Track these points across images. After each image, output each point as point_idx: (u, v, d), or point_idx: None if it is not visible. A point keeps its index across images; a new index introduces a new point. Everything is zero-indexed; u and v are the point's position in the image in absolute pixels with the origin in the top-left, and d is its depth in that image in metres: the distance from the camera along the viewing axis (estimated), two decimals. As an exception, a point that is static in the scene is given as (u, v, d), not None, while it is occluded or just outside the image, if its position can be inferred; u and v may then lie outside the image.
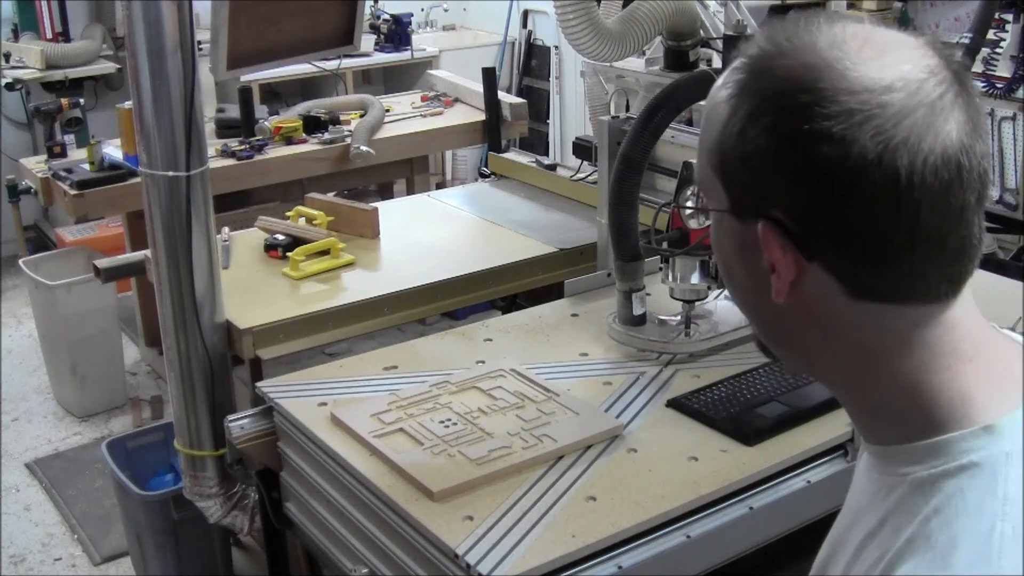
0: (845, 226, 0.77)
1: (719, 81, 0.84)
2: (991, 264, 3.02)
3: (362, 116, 4.16)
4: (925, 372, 0.82)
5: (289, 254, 2.87)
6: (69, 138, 4.59)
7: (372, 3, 5.96)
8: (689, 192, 1.99)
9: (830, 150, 0.75)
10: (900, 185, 0.74)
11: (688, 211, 1.90)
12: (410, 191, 4.45)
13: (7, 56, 5.24)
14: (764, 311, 0.86)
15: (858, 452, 0.89)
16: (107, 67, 5.39)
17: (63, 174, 3.68)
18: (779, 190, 0.78)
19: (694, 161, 2.29)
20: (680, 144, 2.70)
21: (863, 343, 0.82)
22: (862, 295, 0.80)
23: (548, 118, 6.32)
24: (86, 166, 3.69)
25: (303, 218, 3.14)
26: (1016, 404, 0.80)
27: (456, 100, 4.54)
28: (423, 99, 4.57)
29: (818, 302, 0.82)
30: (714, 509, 1.77)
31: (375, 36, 5.83)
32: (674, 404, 2.03)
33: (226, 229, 3.09)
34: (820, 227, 0.78)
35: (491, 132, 4.13)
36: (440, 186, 5.13)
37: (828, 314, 0.82)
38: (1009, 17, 4.14)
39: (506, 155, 3.77)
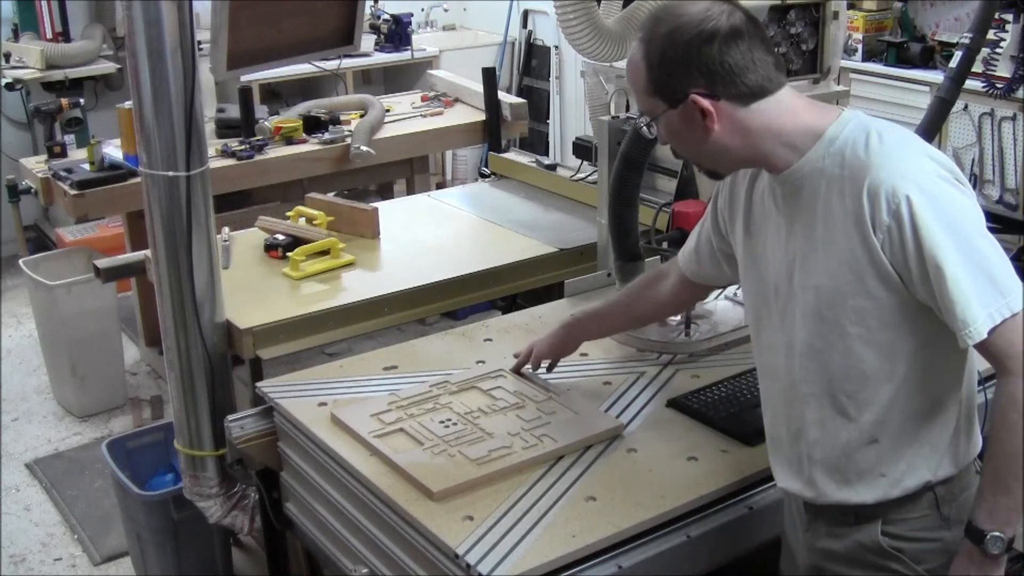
0: (723, 75, 1.48)
1: (631, 51, 1.56)
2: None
3: (362, 116, 4.16)
4: (796, 117, 1.53)
5: (289, 254, 2.87)
6: (69, 138, 4.58)
7: (372, 3, 5.95)
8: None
9: (702, 45, 1.48)
10: (737, 45, 1.48)
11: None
12: (410, 191, 4.45)
13: (7, 56, 5.23)
14: (708, 147, 1.54)
15: None
16: (107, 67, 5.38)
17: (63, 174, 3.68)
18: (690, 75, 1.49)
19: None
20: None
21: (762, 125, 1.52)
22: (747, 100, 1.50)
23: (548, 118, 6.32)
24: (86, 166, 3.69)
25: (303, 218, 3.14)
26: (839, 113, 1.54)
27: (456, 100, 4.53)
28: (423, 99, 4.57)
29: (732, 119, 1.51)
30: (714, 509, 1.77)
31: (375, 36, 5.82)
32: (674, 404, 2.03)
33: (226, 229, 3.09)
34: (712, 81, 1.49)
35: (491, 132, 4.13)
36: (440, 186, 5.13)
37: (739, 122, 1.51)
38: (1009, 17, 4.14)
39: (506, 155, 3.77)
